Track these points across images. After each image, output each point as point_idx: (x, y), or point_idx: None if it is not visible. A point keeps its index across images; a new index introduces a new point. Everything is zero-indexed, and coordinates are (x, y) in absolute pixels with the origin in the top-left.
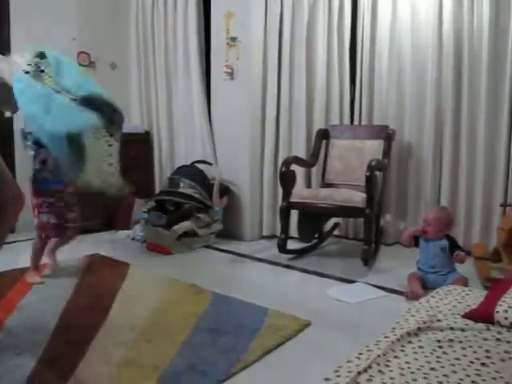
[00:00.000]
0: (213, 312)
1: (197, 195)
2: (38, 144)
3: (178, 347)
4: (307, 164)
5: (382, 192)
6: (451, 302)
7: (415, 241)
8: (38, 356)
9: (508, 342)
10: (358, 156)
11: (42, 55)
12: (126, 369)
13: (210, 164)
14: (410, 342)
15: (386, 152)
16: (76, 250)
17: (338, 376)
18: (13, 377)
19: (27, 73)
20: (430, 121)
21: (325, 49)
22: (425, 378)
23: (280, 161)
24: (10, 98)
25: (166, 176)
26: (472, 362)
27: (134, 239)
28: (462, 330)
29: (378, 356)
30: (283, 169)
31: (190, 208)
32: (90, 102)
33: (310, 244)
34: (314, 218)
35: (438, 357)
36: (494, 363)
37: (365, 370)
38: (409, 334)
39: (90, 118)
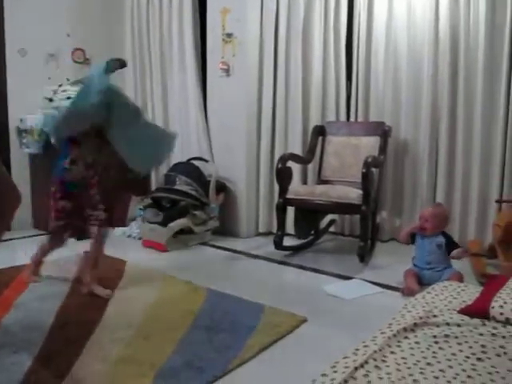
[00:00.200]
0: (209, 309)
1: (193, 192)
2: (69, 141)
3: (175, 344)
4: (303, 161)
5: (378, 189)
6: (447, 298)
7: (412, 238)
8: (35, 354)
9: (503, 337)
10: (354, 153)
11: (76, 82)
12: (122, 366)
13: (206, 161)
14: (406, 338)
15: (382, 149)
16: (72, 247)
17: (335, 372)
18: (9, 375)
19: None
20: (426, 117)
21: (321, 45)
22: (421, 373)
23: (276, 157)
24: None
25: (162, 173)
26: (468, 357)
27: (130, 236)
28: (458, 326)
29: (375, 351)
30: (279, 165)
31: (186, 205)
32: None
33: (306, 241)
34: (310, 215)
35: (434, 352)
36: (489, 358)
37: (361, 366)
38: (405, 329)
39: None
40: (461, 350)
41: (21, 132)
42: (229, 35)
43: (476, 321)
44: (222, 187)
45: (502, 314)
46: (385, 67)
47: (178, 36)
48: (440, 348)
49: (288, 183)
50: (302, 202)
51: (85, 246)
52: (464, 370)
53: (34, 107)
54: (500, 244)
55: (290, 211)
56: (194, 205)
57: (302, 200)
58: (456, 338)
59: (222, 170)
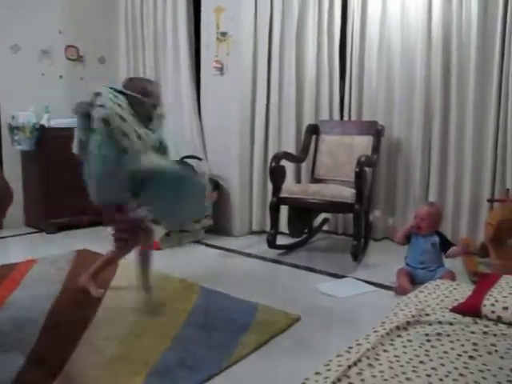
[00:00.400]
0: (203, 307)
1: None
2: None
3: (169, 342)
4: (297, 159)
5: (371, 188)
6: (439, 297)
7: (408, 239)
8: (27, 353)
9: (495, 335)
10: (348, 152)
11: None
12: (115, 364)
13: (199, 159)
14: (399, 336)
15: (376, 148)
16: (64, 246)
17: (329, 370)
18: (1, 374)
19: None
20: (418, 116)
21: (314, 44)
22: (414, 371)
23: (270, 156)
24: None
25: None
26: (460, 355)
27: None
28: (450, 324)
29: (368, 350)
30: (273, 164)
31: None
32: None
33: (299, 239)
34: (303, 214)
35: (426, 350)
36: (481, 356)
37: (355, 364)
38: (398, 327)
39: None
40: (453, 348)
41: (13, 129)
42: (223, 34)
43: (468, 319)
44: (215, 185)
45: (493, 312)
46: (378, 66)
47: (172, 34)
48: (432, 346)
49: (281, 182)
50: (295, 201)
51: (74, 245)
52: (456, 368)
53: (26, 104)
54: (492, 242)
55: (284, 210)
56: None
57: (296, 199)
58: (448, 336)
59: (216, 169)
